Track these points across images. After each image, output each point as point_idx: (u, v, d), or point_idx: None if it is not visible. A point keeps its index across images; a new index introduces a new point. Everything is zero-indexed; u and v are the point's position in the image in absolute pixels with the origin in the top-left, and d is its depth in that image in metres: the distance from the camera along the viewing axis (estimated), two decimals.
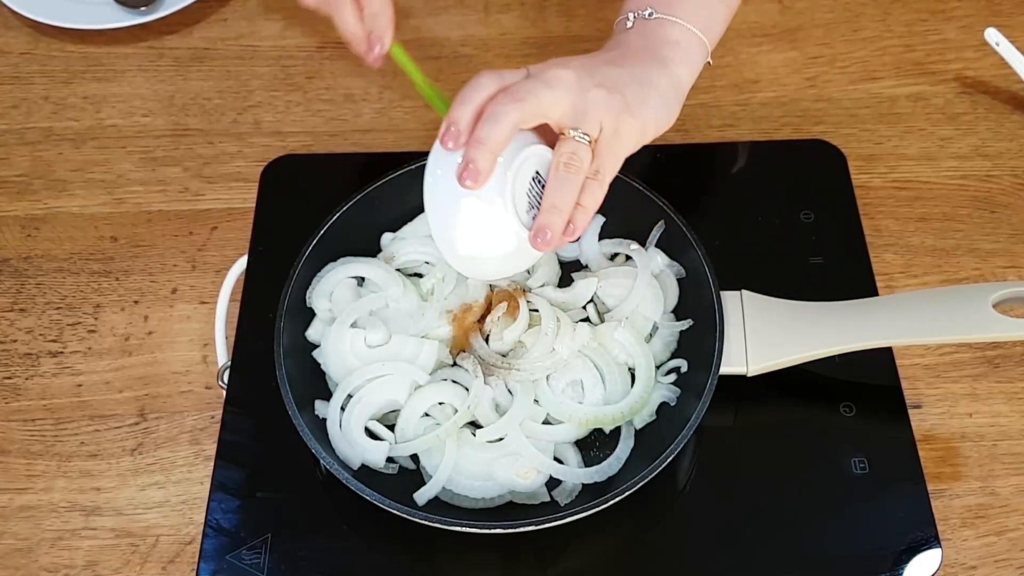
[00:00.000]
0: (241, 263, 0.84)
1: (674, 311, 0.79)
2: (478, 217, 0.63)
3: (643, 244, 0.80)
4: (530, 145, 0.64)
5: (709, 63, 0.73)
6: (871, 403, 0.77)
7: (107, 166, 0.95)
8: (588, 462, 0.72)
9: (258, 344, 0.77)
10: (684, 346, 0.77)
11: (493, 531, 0.67)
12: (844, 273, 0.83)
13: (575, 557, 0.71)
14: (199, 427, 0.80)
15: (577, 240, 0.82)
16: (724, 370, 0.71)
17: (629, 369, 0.75)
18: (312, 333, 0.77)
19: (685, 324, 0.77)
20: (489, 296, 0.78)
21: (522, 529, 0.66)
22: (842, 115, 0.97)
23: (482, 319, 0.77)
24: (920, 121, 0.97)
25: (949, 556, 0.72)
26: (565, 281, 0.81)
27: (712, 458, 0.75)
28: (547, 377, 0.74)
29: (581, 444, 0.74)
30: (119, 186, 0.94)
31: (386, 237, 0.82)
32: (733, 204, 0.88)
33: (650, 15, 0.70)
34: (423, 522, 0.66)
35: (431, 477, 0.71)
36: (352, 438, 0.71)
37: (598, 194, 0.65)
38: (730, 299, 0.75)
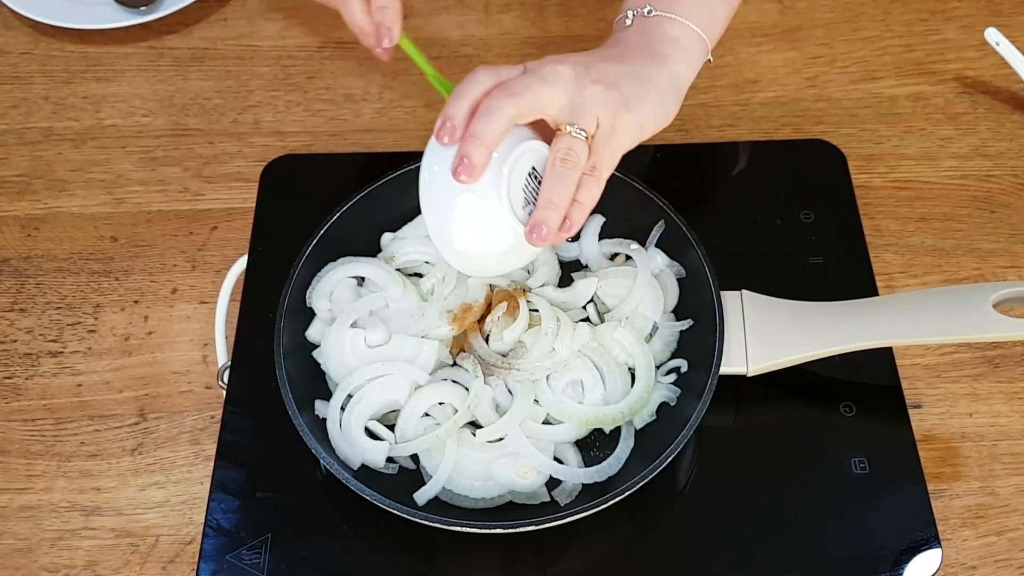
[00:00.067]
0: (241, 263, 0.84)
1: (674, 311, 0.79)
2: (473, 213, 0.63)
3: (643, 244, 0.80)
4: (526, 141, 0.64)
5: (710, 61, 0.73)
6: (871, 403, 0.77)
7: (107, 166, 0.95)
8: (588, 462, 0.72)
9: (258, 344, 0.77)
10: (684, 346, 0.77)
11: (493, 531, 0.67)
12: (844, 273, 0.83)
13: (575, 557, 0.71)
14: (199, 427, 0.80)
15: (576, 240, 0.82)
16: (724, 370, 0.71)
17: (629, 369, 0.75)
18: (312, 333, 0.77)
19: (685, 324, 0.77)
20: (489, 296, 0.78)
21: (522, 529, 0.66)
22: (842, 115, 0.97)
23: (482, 319, 0.77)
24: (920, 121, 0.97)
25: (949, 556, 0.72)
26: (565, 281, 0.81)
27: (712, 458, 0.75)
28: (547, 377, 0.74)
29: (581, 444, 0.74)
30: (119, 186, 0.94)
31: (386, 237, 0.82)
32: (733, 204, 0.88)
33: (649, 13, 0.70)
34: (423, 522, 0.66)
35: (431, 477, 0.71)
36: (352, 438, 0.71)
37: (595, 190, 0.64)
38: (730, 299, 0.75)
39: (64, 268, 0.88)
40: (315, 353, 0.77)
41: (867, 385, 0.78)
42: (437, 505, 0.70)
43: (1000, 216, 0.90)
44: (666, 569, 0.71)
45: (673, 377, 0.75)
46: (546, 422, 0.73)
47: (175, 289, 0.87)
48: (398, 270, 0.79)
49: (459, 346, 0.76)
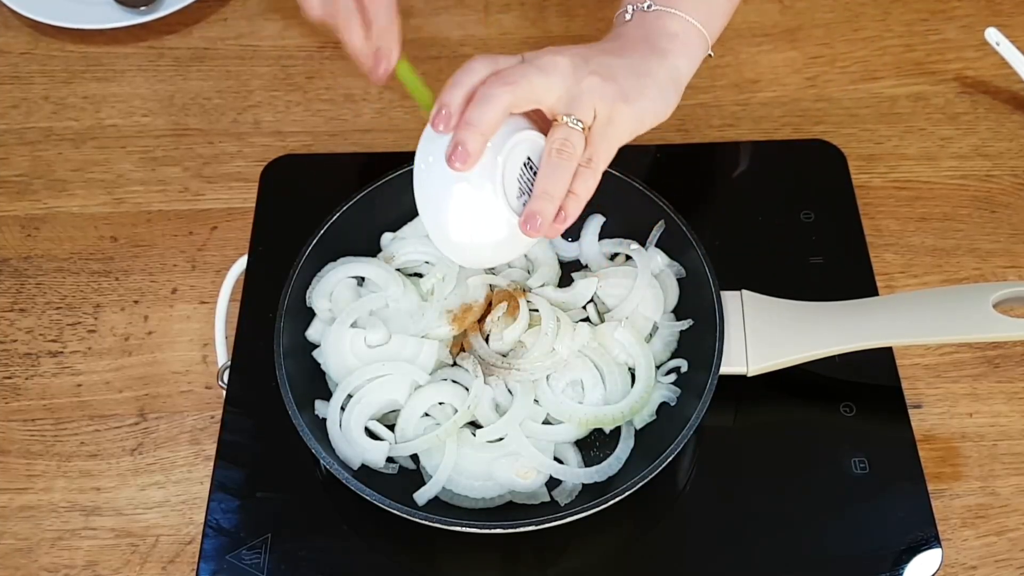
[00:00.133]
0: (241, 263, 0.84)
1: (674, 311, 0.79)
2: (468, 202, 0.63)
3: (643, 244, 0.80)
4: (521, 131, 0.63)
5: (710, 55, 0.72)
6: (871, 403, 0.77)
7: (107, 166, 0.95)
8: (588, 462, 0.72)
9: (258, 344, 0.77)
10: (684, 346, 0.77)
11: (493, 531, 0.67)
12: (844, 273, 0.83)
13: (575, 557, 0.71)
14: (199, 427, 0.80)
15: (576, 240, 0.82)
16: (724, 370, 0.71)
17: (629, 369, 0.75)
18: (312, 333, 0.77)
19: (685, 324, 0.77)
20: (489, 296, 0.78)
21: (522, 529, 0.66)
22: (842, 115, 0.97)
23: (482, 319, 0.77)
24: (920, 121, 0.97)
25: (949, 556, 0.72)
26: (565, 281, 0.81)
27: (712, 458, 0.75)
28: (547, 377, 0.74)
29: (581, 444, 0.74)
30: (119, 186, 0.94)
31: (386, 237, 0.82)
32: (733, 204, 0.88)
33: (649, 7, 0.70)
34: (423, 522, 0.66)
35: (431, 477, 0.71)
36: (352, 438, 0.71)
37: (591, 182, 0.64)
38: (730, 299, 0.75)
39: (64, 268, 0.88)
40: (315, 353, 0.76)
41: (867, 385, 0.78)
42: (437, 505, 0.70)
43: (1000, 216, 0.90)
44: (666, 569, 0.71)
45: (673, 377, 0.75)
46: (546, 422, 0.73)
47: (175, 289, 0.87)
48: (398, 270, 0.79)
49: (459, 346, 0.76)
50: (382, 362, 0.74)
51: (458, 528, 0.66)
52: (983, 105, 0.98)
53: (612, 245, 0.82)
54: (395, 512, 0.66)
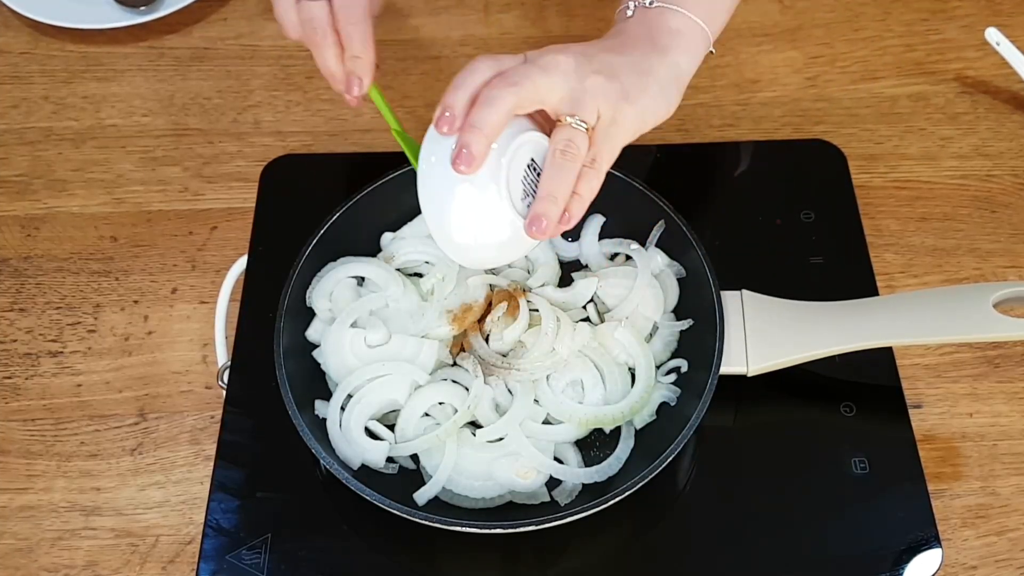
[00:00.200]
0: (241, 263, 0.84)
1: (674, 311, 0.79)
2: (472, 204, 0.63)
3: (643, 244, 0.80)
4: (525, 132, 0.63)
5: (712, 52, 0.72)
6: (871, 403, 0.77)
7: (107, 166, 0.95)
8: (588, 462, 0.72)
9: (258, 344, 0.76)
10: (684, 346, 0.77)
11: (493, 531, 0.67)
12: (844, 273, 0.83)
13: (575, 557, 0.71)
14: (199, 427, 0.80)
15: (576, 240, 0.82)
16: (724, 370, 0.71)
17: (629, 369, 0.75)
18: (312, 333, 0.77)
19: (685, 324, 0.77)
20: (489, 296, 0.78)
21: (522, 529, 0.66)
22: (842, 115, 0.97)
23: (482, 319, 0.77)
24: (920, 121, 0.97)
25: (949, 556, 0.72)
26: (565, 281, 0.81)
27: (712, 458, 0.75)
28: (547, 377, 0.74)
29: (581, 444, 0.74)
30: (119, 186, 0.94)
31: (386, 237, 0.82)
32: (733, 204, 0.88)
33: (651, 4, 0.69)
34: (423, 522, 0.66)
35: (431, 477, 0.71)
36: (352, 438, 0.71)
37: (594, 183, 0.64)
38: (730, 299, 0.75)
39: (64, 268, 0.88)
40: (315, 353, 0.76)
41: (867, 385, 0.78)
42: (437, 505, 0.70)
43: (1000, 216, 0.90)
44: (666, 569, 0.71)
45: (673, 377, 0.75)
46: (546, 422, 0.73)
47: (175, 289, 0.87)
48: (398, 270, 0.79)
49: (459, 346, 0.76)
50: (382, 362, 0.74)
51: (458, 528, 0.66)
52: (983, 105, 0.98)
53: (612, 245, 0.82)
54: (395, 512, 0.66)
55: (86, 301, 0.87)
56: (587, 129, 0.62)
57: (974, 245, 0.88)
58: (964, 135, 0.96)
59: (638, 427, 0.73)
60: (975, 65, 1.00)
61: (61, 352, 0.84)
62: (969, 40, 1.02)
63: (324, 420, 0.72)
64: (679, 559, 0.71)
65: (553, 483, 0.71)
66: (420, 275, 0.80)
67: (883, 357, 0.78)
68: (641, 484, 0.66)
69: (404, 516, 0.66)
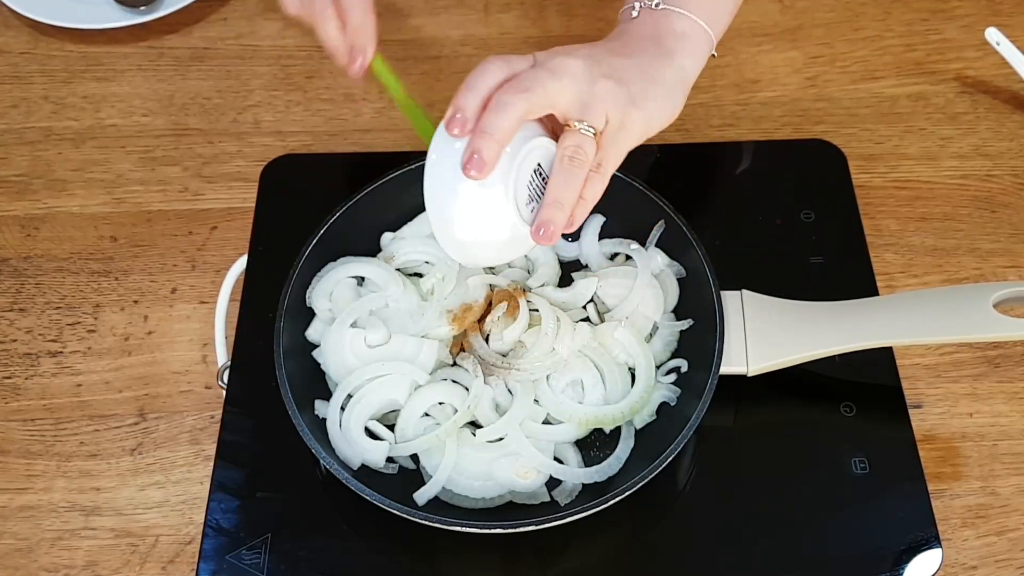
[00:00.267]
0: (241, 263, 0.84)
1: (674, 311, 0.79)
2: (477, 205, 0.63)
3: (643, 244, 0.80)
4: (535, 137, 0.63)
5: (713, 55, 0.72)
6: (871, 403, 0.77)
7: (107, 166, 0.95)
8: (588, 462, 0.72)
9: (258, 344, 0.77)
10: (684, 346, 0.77)
11: (493, 531, 0.67)
12: (844, 273, 0.83)
13: (575, 557, 0.71)
14: (199, 427, 0.80)
15: (576, 240, 0.82)
16: (724, 370, 0.71)
17: (629, 369, 0.75)
18: (312, 333, 0.77)
19: (685, 324, 0.77)
20: (489, 296, 0.78)
21: (522, 529, 0.66)
22: (842, 115, 0.97)
23: (482, 319, 0.77)
24: (920, 121, 0.97)
25: (949, 556, 0.72)
26: (565, 281, 0.81)
27: (712, 458, 0.75)
28: (547, 377, 0.74)
29: (581, 444, 0.74)
30: (119, 186, 0.94)
31: (386, 237, 0.82)
32: (733, 204, 0.88)
33: (656, 5, 0.69)
34: (423, 522, 0.66)
35: (431, 477, 0.71)
36: (352, 438, 0.71)
37: (599, 187, 0.64)
38: (730, 299, 0.75)
39: (64, 268, 0.88)
40: (315, 353, 0.76)
41: (867, 385, 0.78)
42: (437, 505, 0.70)
43: (1001, 216, 0.90)
44: (666, 569, 0.71)
45: (673, 377, 0.75)
46: (546, 422, 0.73)
47: (175, 289, 0.87)
48: (398, 270, 0.79)
49: (459, 346, 0.76)
50: (382, 362, 0.74)
51: (458, 528, 0.66)
52: (983, 105, 0.98)
53: (612, 245, 0.82)
54: (395, 512, 0.66)
55: (86, 301, 0.87)
56: (595, 134, 0.62)
57: (974, 245, 0.88)
58: (964, 135, 0.96)
59: (638, 427, 0.73)
60: (975, 65, 1.00)
61: (61, 352, 0.84)
62: (969, 40, 1.02)
63: (324, 420, 0.72)
64: (679, 559, 0.71)
65: (553, 483, 0.71)
66: (420, 275, 0.80)
67: (883, 357, 0.78)
68: (641, 484, 0.66)
69: (404, 516, 0.66)
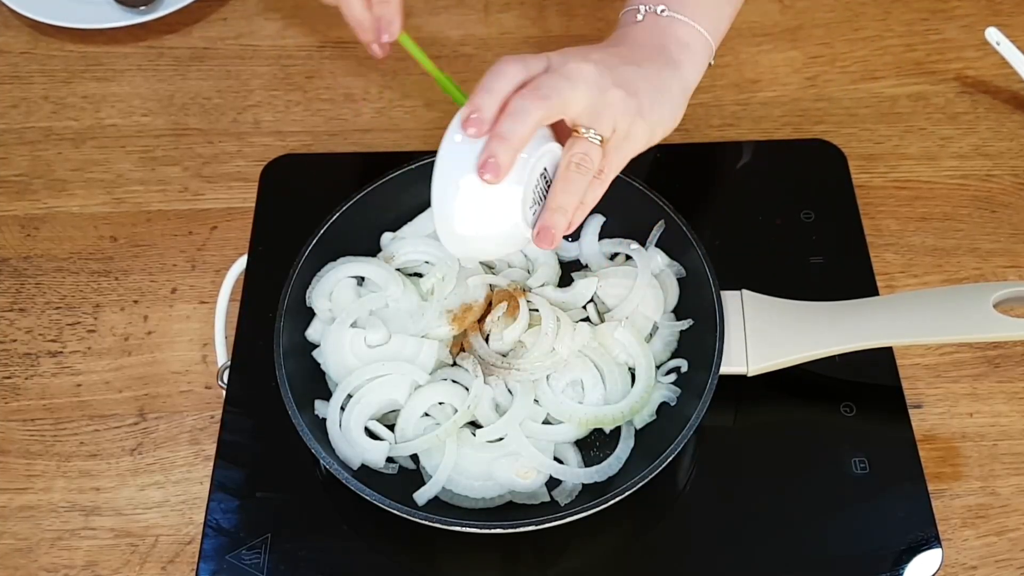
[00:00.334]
0: (241, 263, 0.84)
1: (674, 311, 0.79)
2: (486, 203, 0.62)
3: (643, 244, 0.80)
4: (546, 143, 0.64)
5: (711, 64, 0.73)
6: (871, 403, 0.77)
7: (107, 166, 0.95)
8: (588, 462, 0.72)
9: (258, 344, 0.77)
10: (684, 346, 0.77)
11: (493, 531, 0.67)
12: (844, 273, 0.83)
13: (575, 557, 0.71)
14: (199, 427, 0.80)
15: (576, 240, 0.82)
16: (724, 370, 0.71)
17: (629, 369, 0.75)
18: (312, 333, 0.77)
19: (685, 324, 0.77)
20: (489, 296, 0.78)
21: (522, 529, 0.66)
22: (842, 115, 0.97)
23: (482, 319, 0.77)
24: (920, 121, 0.97)
25: (949, 556, 0.72)
26: (565, 281, 0.81)
27: (712, 458, 0.75)
28: (547, 377, 0.74)
29: (581, 444, 0.74)
30: (119, 186, 0.94)
31: (386, 237, 0.82)
32: (733, 204, 0.88)
33: (662, 11, 0.69)
34: (423, 522, 0.66)
35: (431, 477, 0.71)
36: (352, 438, 0.71)
37: (599, 192, 0.65)
38: (730, 299, 0.75)
39: (64, 268, 0.88)
40: (315, 353, 0.76)
41: (867, 385, 0.78)
42: (437, 505, 0.70)
43: (1001, 216, 0.90)
44: (666, 569, 0.71)
45: (673, 377, 0.75)
46: (546, 422, 0.73)
47: (175, 289, 0.87)
48: (398, 270, 0.79)
49: (459, 346, 0.76)
50: (382, 362, 0.74)
51: (458, 528, 0.66)
52: (983, 105, 0.98)
53: (612, 245, 0.82)
54: (395, 512, 0.66)
55: (86, 301, 0.87)
56: (601, 141, 0.63)
57: (974, 245, 0.88)
58: (964, 135, 0.96)
59: (638, 427, 0.73)
60: (975, 65, 1.00)
61: (61, 352, 0.84)
62: (969, 40, 1.02)
63: (324, 420, 0.72)
64: (679, 559, 0.71)
65: (553, 483, 0.71)
66: (420, 275, 0.80)
67: (883, 357, 0.78)
68: (641, 484, 0.66)
69: (404, 516, 0.66)
